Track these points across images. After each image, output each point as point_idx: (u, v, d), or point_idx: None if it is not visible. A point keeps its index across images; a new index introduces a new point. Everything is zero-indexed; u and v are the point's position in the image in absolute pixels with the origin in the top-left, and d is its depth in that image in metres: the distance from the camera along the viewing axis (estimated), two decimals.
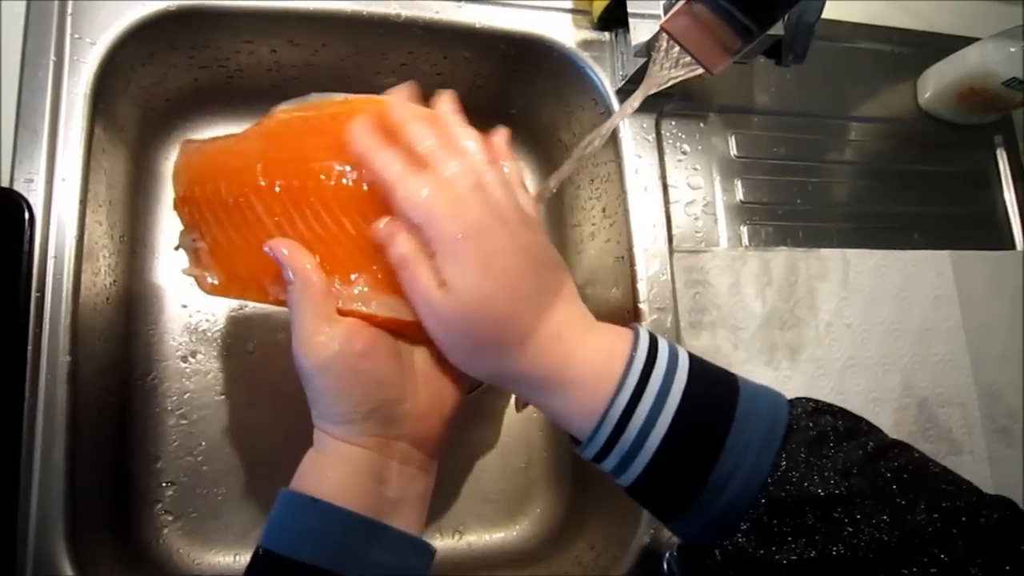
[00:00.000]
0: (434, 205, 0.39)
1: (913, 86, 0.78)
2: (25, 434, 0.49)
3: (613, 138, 0.66)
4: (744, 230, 0.68)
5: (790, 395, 0.63)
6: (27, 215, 0.51)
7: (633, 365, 0.39)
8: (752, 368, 0.64)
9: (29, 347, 0.50)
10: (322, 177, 0.43)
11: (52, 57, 0.55)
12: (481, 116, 0.77)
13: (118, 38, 0.57)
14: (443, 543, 0.68)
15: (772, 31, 0.56)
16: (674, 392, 0.38)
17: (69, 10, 0.56)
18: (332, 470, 0.41)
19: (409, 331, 0.43)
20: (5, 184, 0.52)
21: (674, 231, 0.65)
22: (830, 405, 0.43)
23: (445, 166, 0.40)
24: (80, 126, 0.54)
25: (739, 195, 0.68)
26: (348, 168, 0.43)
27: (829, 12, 0.59)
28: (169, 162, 0.68)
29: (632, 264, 0.63)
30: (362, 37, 0.65)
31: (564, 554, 0.66)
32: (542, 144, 0.78)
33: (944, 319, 0.71)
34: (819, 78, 0.74)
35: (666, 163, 0.67)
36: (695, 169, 0.68)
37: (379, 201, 0.42)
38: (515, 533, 0.70)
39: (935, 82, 0.76)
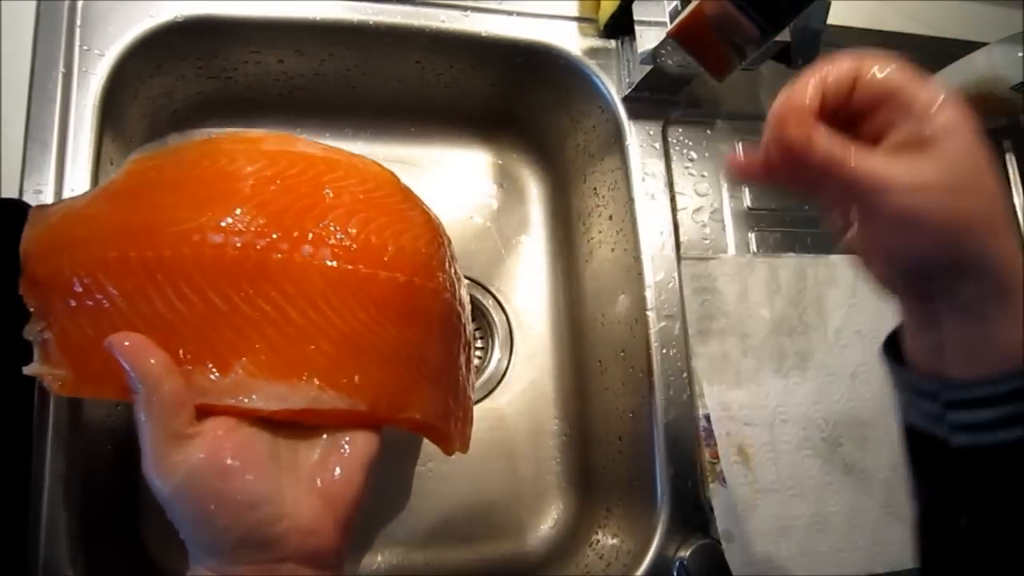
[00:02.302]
0: None
1: None
2: (34, 445, 0.49)
3: (619, 146, 0.66)
4: (752, 237, 0.67)
5: (801, 402, 0.64)
6: None
7: None
8: (762, 376, 0.64)
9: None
10: (181, 244, 0.38)
11: (61, 69, 0.55)
12: (487, 125, 0.78)
13: (126, 49, 0.57)
14: (452, 552, 0.68)
15: (779, 37, 0.56)
16: None
17: (78, 21, 0.56)
18: None
19: (303, 419, 0.39)
20: (15, 195, 0.52)
21: (682, 238, 0.65)
22: None
23: None
24: (89, 137, 0.55)
25: (747, 202, 0.68)
26: (212, 230, 0.38)
27: (835, 18, 0.59)
28: None
29: (640, 272, 0.63)
30: (369, 46, 0.65)
31: (574, 563, 0.65)
32: (548, 152, 0.78)
33: None
34: None
35: (673, 170, 0.67)
36: (702, 176, 0.67)
37: (252, 266, 0.37)
38: (524, 542, 0.70)
39: (944, 87, 0.76)
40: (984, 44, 0.73)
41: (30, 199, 0.52)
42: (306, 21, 0.61)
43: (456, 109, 0.75)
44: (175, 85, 0.65)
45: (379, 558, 0.65)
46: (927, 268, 0.34)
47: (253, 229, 0.38)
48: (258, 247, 0.38)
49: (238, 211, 0.39)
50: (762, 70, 0.71)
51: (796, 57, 0.60)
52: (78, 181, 0.54)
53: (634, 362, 0.63)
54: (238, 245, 0.38)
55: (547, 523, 0.70)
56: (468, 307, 0.50)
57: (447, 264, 0.47)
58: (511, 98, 0.73)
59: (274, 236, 0.39)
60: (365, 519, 0.66)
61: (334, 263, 0.39)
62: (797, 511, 0.62)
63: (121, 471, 0.60)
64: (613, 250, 0.68)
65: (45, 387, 0.41)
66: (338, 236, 0.40)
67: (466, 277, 0.73)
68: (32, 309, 0.41)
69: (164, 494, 0.35)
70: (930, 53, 0.78)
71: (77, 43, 0.56)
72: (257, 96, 0.69)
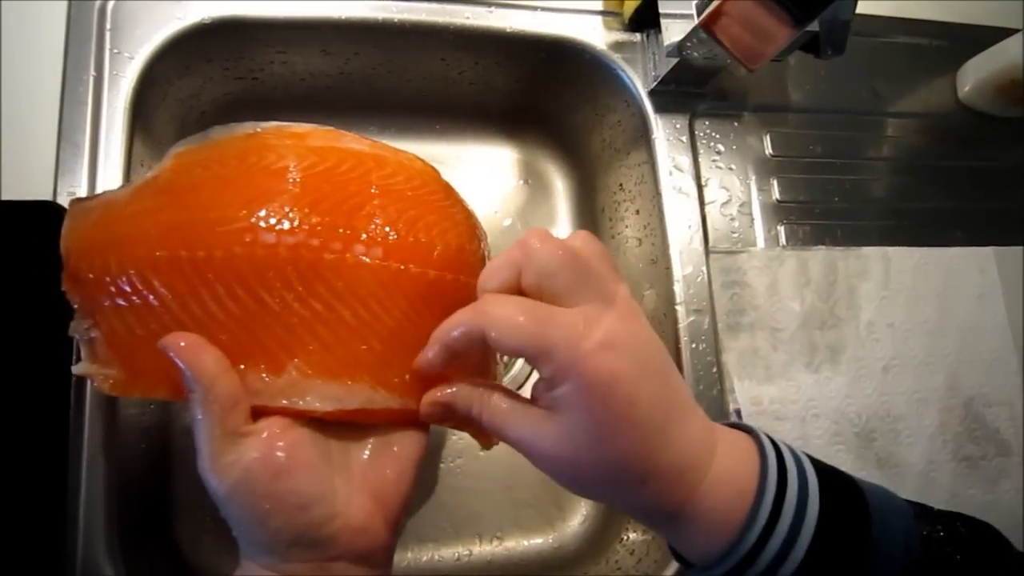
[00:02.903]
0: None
1: (951, 80, 0.76)
2: (72, 441, 0.50)
3: (646, 140, 0.66)
4: (781, 229, 0.67)
5: (833, 396, 0.63)
6: None
7: (763, 500, 0.34)
8: (792, 370, 0.63)
9: (74, 356, 0.51)
10: (233, 244, 0.37)
11: (92, 72, 0.56)
12: (512, 121, 0.77)
13: (155, 52, 0.57)
14: (481, 548, 0.68)
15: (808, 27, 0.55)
16: (807, 523, 0.34)
17: (108, 25, 0.57)
18: None
19: (355, 419, 0.39)
20: (48, 197, 0.53)
21: (710, 232, 0.64)
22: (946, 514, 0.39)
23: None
24: (120, 139, 0.55)
25: (775, 194, 0.67)
26: (263, 228, 0.37)
27: (864, 7, 0.58)
28: None
29: (668, 266, 0.62)
30: (394, 44, 0.65)
31: (604, 560, 0.65)
32: (573, 147, 0.77)
33: (989, 317, 0.69)
34: (855, 74, 0.73)
35: (700, 163, 0.66)
36: (730, 169, 0.67)
37: (304, 265, 0.37)
38: (553, 539, 0.69)
39: (974, 75, 0.75)
40: (1016, 31, 0.72)
41: (63, 201, 0.53)
42: (332, 20, 0.61)
43: (481, 105, 0.75)
44: (202, 87, 0.65)
45: (409, 555, 0.66)
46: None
47: (305, 228, 0.38)
48: (310, 246, 0.38)
49: (289, 210, 0.38)
50: (789, 60, 0.70)
51: (825, 47, 0.60)
52: (110, 183, 0.54)
53: None
54: (290, 244, 0.38)
55: (577, 519, 0.70)
56: None
57: (487, 260, 0.47)
58: (536, 94, 0.73)
59: (326, 235, 0.38)
60: None
61: (385, 262, 0.39)
62: None
63: (153, 470, 0.61)
64: (640, 245, 0.67)
65: (94, 386, 0.41)
66: (389, 235, 0.40)
67: None
68: (76, 306, 0.40)
69: (219, 493, 0.35)
70: (960, 41, 0.77)
71: (107, 46, 0.56)
72: (283, 96, 0.69)
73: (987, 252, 0.71)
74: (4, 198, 0.52)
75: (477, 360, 0.44)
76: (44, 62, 0.55)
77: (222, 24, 0.59)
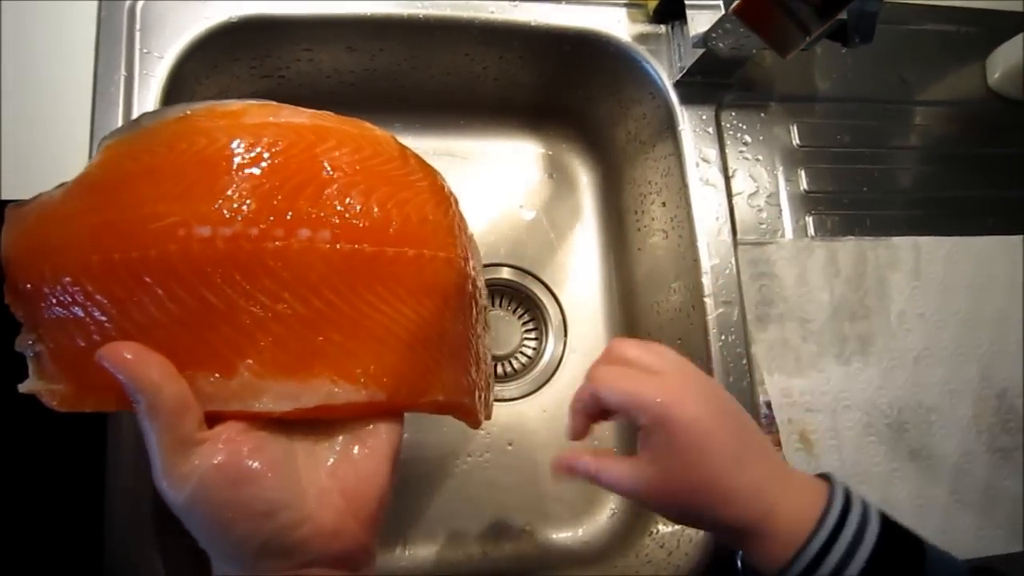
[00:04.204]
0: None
1: (981, 67, 0.75)
2: (109, 434, 0.50)
3: (672, 132, 0.65)
4: (809, 220, 0.66)
5: (864, 388, 0.63)
6: None
7: (825, 522, 0.41)
8: (823, 361, 0.63)
9: None
10: (166, 241, 0.34)
11: (123, 72, 0.56)
12: (536, 115, 0.77)
13: (184, 51, 0.58)
14: (509, 542, 0.68)
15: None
16: (861, 552, 0.40)
17: (137, 25, 0.57)
18: None
19: (319, 416, 0.36)
20: None
21: (738, 223, 0.64)
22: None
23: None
24: None
25: (803, 185, 0.67)
26: (197, 221, 0.35)
27: None
28: None
29: (696, 258, 0.62)
30: (418, 40, 0.65)
31: (633, 553, 0.65)
32: (598, 141, 0.77)
33: (1022, 306, 0.68)
34: (882, 62, 0.72)
35: (727, 155, 0.66)
36: (757, 160, 0.66)
37: (246, 257, 0.35)
38: (581, 532, 0.69)
39: (1004, 61, 0.74)
40: None
41: None
42: (357, 17, 0.61)
43: (505, 100, 0.75)
44: (230, 85, 0.66)
45: (437, 549, 0.66)
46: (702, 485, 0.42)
47: (242, 217, 0.35)
48: (251, 236, 0.35)
49: (224, 198, 0.35)
50: (816, 50, 0.70)
51: (852, 36, 0.59)
52: None
53: (692, 349, 0.62)
54: (227, 236, 0.35)
55: (605, 513, 0.70)
56: (480, 268, 0.47)
57: (457, 229, 0.43)
58: (560, 87, 0.73)
59: (266, 222, 0.35)
60: (421, 511, 0.67)
61: (335, 245, 0.36)
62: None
63: None
64: (667, 237, 0.67)
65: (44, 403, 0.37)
66: (336, 214, 0.37)
67: (518, 268, 0.74)
68: (21, 319, 0.37)
69: (177, 505, 0.33)
70: (989, 27, 0.76)
71: (137, 46, 0.57)
72: (308, 94, 0.70)
73: (1018, 240, 0.70)
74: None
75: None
76: (76, 61, 0.56)
77: (249, 23, 0.60)
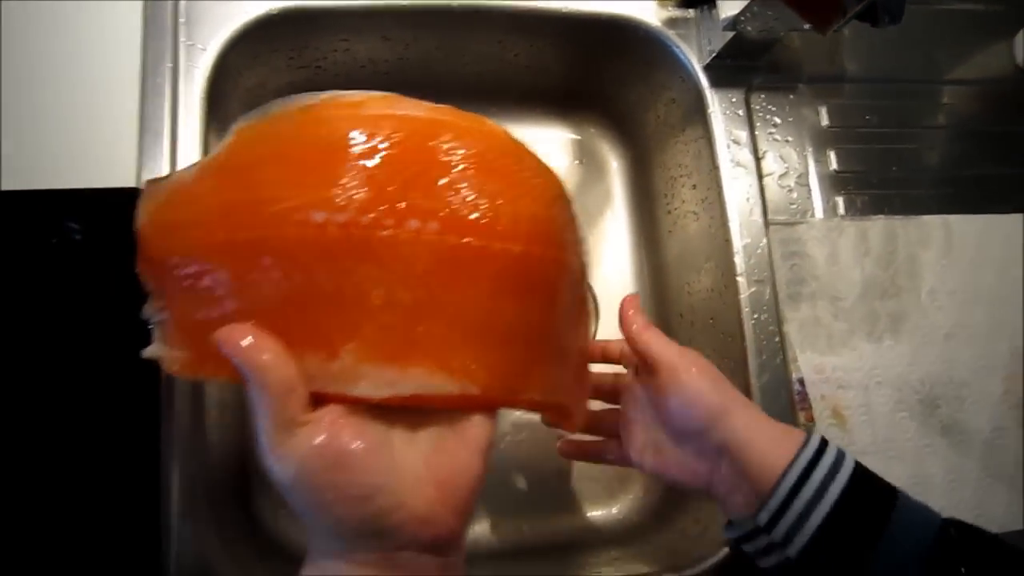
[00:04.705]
0: None
1: (1009, 45, 0.76)
2: (163, 412, 0.52)
3: (702, 115, 0.66)
4: (839, 200, 0.67)
5: (895, 364, 0.63)
6: None
7: (798, 460, 0.44)
8: (854, 339, 0.63)
9: None
10: (285, 224, 0.36)
11: (168, 63, 0.58)
12: (565, 101, 0.79)
13: (226, 43, 0.60)
14: (545, 520, 0.69)
15: None
16: (831, 492, 0.43)
17: (181, 19, 0.59)
18: None
19: (413, 404, 0.36)
20: (131, 184, 0.56)
21: (768, 204, 0.65)
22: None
23: None
24: (197, 128, 0.58)
25: (833, 165, 0.68)
26: (314, 207, 0.36)
27: None
28: None
29: (727, 238, 0.63)
30: (451, 29, 0.67)
31: (669, 530, 0.66)
32: (627, 125, 0.78)
33: None
34: (910, 42, 0.73)
35: (757, 136, 0.66)
36: (787, 141, 0.67)
37: (356, 244, 0.35)
38: (615, 510, 0.71)
39: None
40: None
41: None
42: (393, 7, 0.63)
43: (534, 87, 0.76)
44: (268, 76, 0.67)
45: (474, 527, 0.67)
46: (698, 430, 0.47)
47: (356, 204, 0.35)
48: (362, 224, 0.35)
49: (339, 185, 0.36)
50: (844, 31, 0.70)
51: (882, 15, 0.60)
52: None
53: (725, 328, 0.64)
54: (340, 223, 0.35)
55: (639, 491, 0.71)
56: (587, 271, 0.47)
57: (569, 228, 0.43)
58: (589, 73, 0.74)
59: (379, 211, 0.36)
60: None
61: (443, 237, 0.37)
62: (896, 473, 0.61)
63: (231, 446, 0.64)
64: (698, 219, 0.68)
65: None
66: (446, 207, 0.37)
67: None
68: (149, 289, 0.40)
69: (281, 483, 0.34)
70: (1017, 6, 0.76)
71: (181, 39, 0.59)
72: (344, 84, 0.70)
73: None
74: (90, 186, 0.55)
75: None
76: (123, 55, 0.58)
77: (288, 15, 0.61)
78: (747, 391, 0.60)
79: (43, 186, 0.54)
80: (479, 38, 0.68)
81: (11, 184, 0.54)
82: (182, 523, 0.51)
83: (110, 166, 0.56)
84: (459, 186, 0.38)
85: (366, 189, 0.36)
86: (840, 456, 0.45)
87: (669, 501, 0.69)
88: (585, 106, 0.78)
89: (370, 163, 0.37)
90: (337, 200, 0.36)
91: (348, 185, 0.36)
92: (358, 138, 0.37)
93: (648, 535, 0.67)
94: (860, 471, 0.45)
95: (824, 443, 0.46)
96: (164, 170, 0.56)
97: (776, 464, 0.45)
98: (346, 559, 0.35)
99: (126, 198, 0.54)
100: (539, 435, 0.70)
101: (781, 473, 0.44)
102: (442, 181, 0.37)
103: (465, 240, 0.37)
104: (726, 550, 0.57)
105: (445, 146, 0.38)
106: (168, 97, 0.57)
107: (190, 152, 0.57)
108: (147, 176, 0.55)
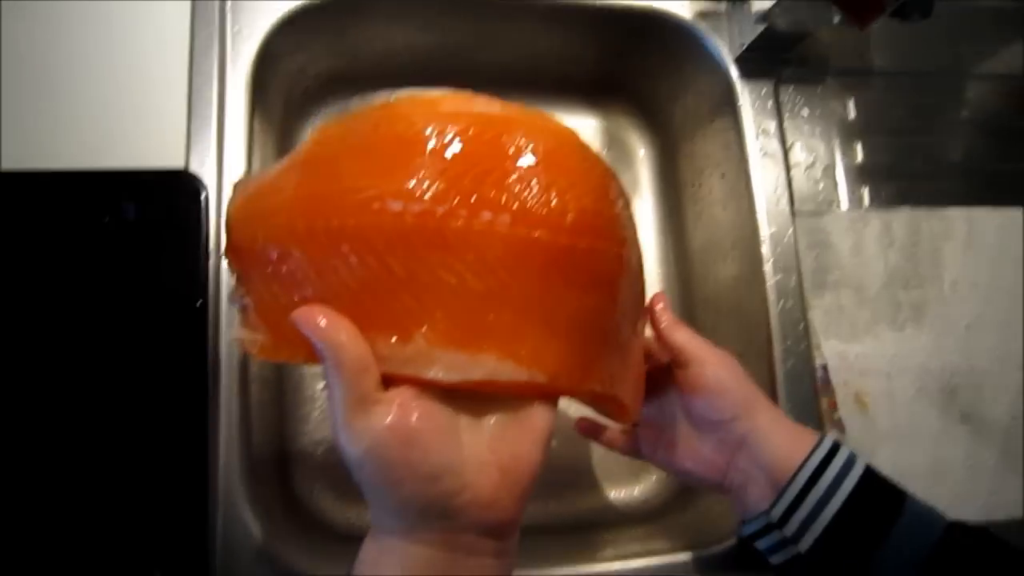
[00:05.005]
0: None
1: None
2: (210, 390, 0.55)
3: (731, 106, 0.68)
4: (865, 191, 0.68)
5: (917, 353, 0.65)
6: (203, 194, 0.56)
7: (810, 460, 0.47)
8: (877, 327, 0.65)
9: (209, 310, 0.56)
10: (363, 213, 0.37)
11: (216, 49, 0.60)
12: (595, 91, 0.80)
13: (271, 30, 0.62)
14: (570, 500, 0.71)
15: None
16: (840, 493, 0.46)
17: (228, 5, 0.61)
18: (392, 569, 0.36)
19: (481, 389, 0.38)
20: (180, 166, 0.58)
21: (795, 194, 0.66)
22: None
23: None
24: (243, 112, 0.59)
25: (859, 157, 0.69)
26: (391, 197, 0.37)
27: None
28: None
29: (755, 227, 0.65)
30: (487, 19, 0.68)
31: (692, 509, 0.68)
32: (656, 115, 0.80)
33: None
34: (937, 37, 0.74)
35: (785, 128, 0.68)
36: (814, 133, 0.69)
37: (431, 233, 0.37)
38: (639, 491, 0.73)
39: None
40: None
41: (195, 170, 0.57)
42: None
43: (566, 77, 0.77)
44: (308, 63, 0.69)
45: None
46: (723, 420, 0.50)
47: (431, 195, 0.37)
48: (437, 214, 0.37)
49: (416, 177, 0.38)
50: (872, 25, 0.71)
51: (912, 11, 0.61)
52: (234, 153, 0.59)
53: (750, 315, 0.65)
54: (416, 212, 0.37)
55: (661, 473, 0.73)
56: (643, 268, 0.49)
57: (628, 225, 0.44)
58: (620, 64, 0.76)
59: (453, 202, 0.37)
60: None
61: (514, 229, 0.38)
62: (915, 459, 0.63)
63: (271, 423, 0.66)
64: (725, 208, 0.70)
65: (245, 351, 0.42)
66: (517, 200, 0.38)
67: None
68: (235, 276, 0.42)
69: (351, 459, 0.36)
70: None
71: (229, 26, 0.61)
72: (379, 72, 0.73)
73: None
74: (141, 167, 0.57)
75: None
76: (172, 41, 0.60)
77: (331, 2, 0.63)
78: (772, 376, 0.62)
79: (97, 167, 0.56)
80: (514, 28, 0.70)
81: (66, 164, 0.56)
82: (226, 496, 0.53)
83: (162, 147, 0.58)
84: (529, 181, 0.39)
85: (441, 181, 0.38)
86: (852, 457, 0.48)
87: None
88: (614, 95, 0.80)
89: (445, 157, 0.38)
90: (414, 191, 0.37)
91: (424, 177, 0.38)
92: (434, 133, 0.39)
93: (671, 514, 0.69)
94: (870, 472, 0.47)
95: (836, 444, 0.48)
96: (212, 152, 0.58)
97: (793, 458, 0.47)
98: (408, 538, 0.36)
99: (176, 179, 0.57)
100: (563, 417, 0.72)
101: (797, 466, 0.47)
102: (513, 176, 0.39)
103: (535, 233, 0.38)
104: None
105: (516, 142, 0.40)
106: (216, 82, 0.59)
107: (235, 136, 0.59)
108: (196, 158, 0.58)
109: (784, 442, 0.49)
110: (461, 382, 0.36)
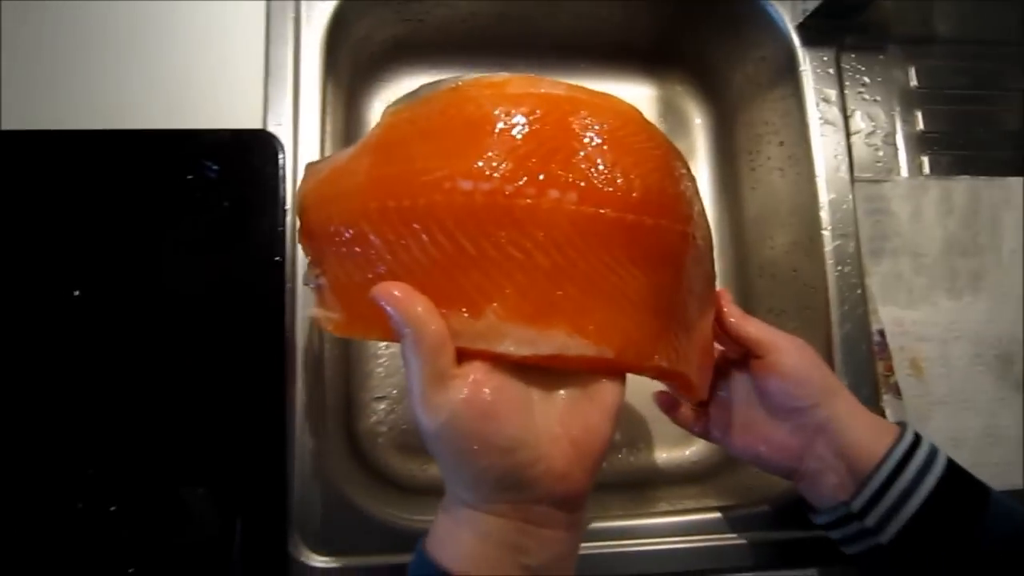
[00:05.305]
0: None
1: None
2: (287, 342, 0.57)
3: (793, 73, 0.68)
4: (925, 159, 0.69)
5: (974, 320, 0.66)
6: (281, 153, 0.59)
7: (893, 452, 0.47)
8: (935, 294, 0.66)
9: (287, 265, 0.58)
10: (434, 192, 0.39)
11: (291, 13, 0.62)
12: (654, 59, 0.81)
13: None
14: (621, 460, 0.73)
15: None
16: (923, 487, 0.46)
17: None
18: (466, 540, 0.38)
19: (551, 364, 0.38)
20: (258, 126, 0.60)
21: (855, 161, 0.67)
22: None
23: None
24: (317, 75, 0.62)
25: (920, 125, 0.69)
26: (461, 176, 0.39)
27: None
28: (373, 114, 0.76)
29: (814, 193, 0.65)
30: None
31: (743, 470, 0.69)
32: (714, 83, 0.80)
33: None
34: (999, 5, 0.73)
35: (846, 95, 0.68)
36: (875, 100, 0.69)
37: (500, 211, 0.38)
38: (689, 453, 0.74)
39: None
40: None
41: (272, 129, 0.60)
42: None
43: (625, 44, 0.78)
44: (375, 28, 0.71)
45: None
46: (803, 407, 0.50)
47: (500, 175, 0.39)
48: (506, 193, 0.38)
49: (485, 157, 0.39)
50: None
51: None
52: (309, 114, 0.61)
53: (808, 280, 0.66)
54: (486, 191, 0.38)
55: None
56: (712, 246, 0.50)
57: (693, 203, 0.45)
58: (679, 32, 0.76)
59: (521, 181, 0.39)
60: None
61: (580, 207, 0.39)
62: (969, 424, 0.64)
63: (340, 375, 0.68)
64: (784, 175, 0.70)
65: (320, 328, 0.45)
66: (584, 179, 0.40)
67: None
68: (309, 257, 0.44)
69: (429, 432, 0.37)
70: None
71: None
72: (442, 38, 0.75)
73: None
74: (220, 127, 0.59)
75: None
76: (248, 5, 0.62)
77: None
78: (828, 340, 0.63)
79: (178, 127, 0.59)
80: None
81: (151, 125, 0.59)
82: (302, 446, 0.56)
83: (237, 109, 0.60)
84: (595, 159, 0.40)
85: (509, 161, 0.39)
86: (934, 450, 0.48)
87: None
88: (672, 63, 0.81)
89: (512, 137, 0.40)
90: (483, 170, 0.39)
91: (493, 157, 0.39)
92: (501, 115, 0.40)
93: (723, 475, 0.70)
94: (954, 466, 0.48)
95: (918, 437, 0.49)
96: (287, 114, 0.60)
97: (874, 450, 0.48)
98: (483, 509, 0.37)
99: (255, 138, 0.59)
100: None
101: (880, 459, 0.47)
102: (580, 155, 0.40)
103: (602, 211, 0.39)
104: None
105: (582, 122, 0.41)
106: (291, 45, 0.61)
107: (311, 98, 0.61)
108: (273, 120, 0.60)
109: (865, 432, 0.49)
110: (532, 356, 0.38)
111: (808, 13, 0.66)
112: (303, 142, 0.60)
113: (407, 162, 0.40)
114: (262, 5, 0.62)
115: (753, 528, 0.59)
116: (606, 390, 0.40)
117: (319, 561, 0.54)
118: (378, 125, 0.43)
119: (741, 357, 0.54)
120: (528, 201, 0.38)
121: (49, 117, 0.58)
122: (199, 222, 0.57)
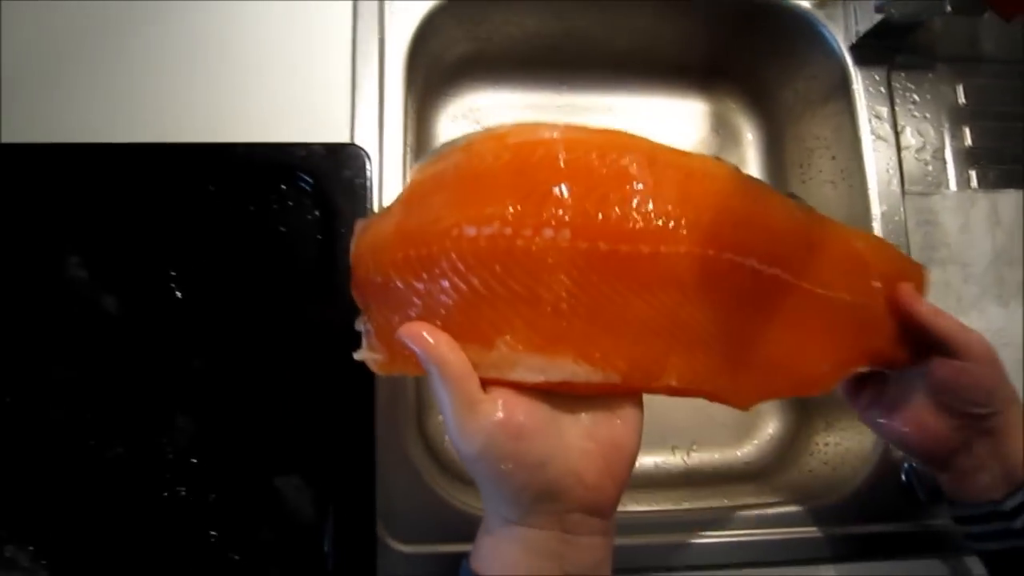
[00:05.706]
0: None
1: None
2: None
3: (845, 91, 0.72)
4: (972, 173, 0.72)
5: (1019, 330, 0.68)
6: (368, 165, 0.63)
7: None
8: (983, 302, 0.69)
9: None
10: (444, 240, 0.42)
11: (376, 33, 0.66)
12: (706, 76, 0.84)
13: (425, 16, 0.67)
14: (677, 459, 0.76)
15: None
16: None
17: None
18: (511, 553, 0.40)
19: (563, 390, 0.41)
20: (346, 140, 0.64)
21: (905, 175, 0.70)
22: None
23: None
24: (399, 91, 0.66)
25: (968, 141, 0.72)
26: (466, 223, 0.42)
27: None
28: (441, 127, 0.80)
29: (867, 205, 0.69)
30: (613, 6, 0.73)
31: (796, 470, 0.72)
32: (765, 100, 0.84)
33: None
34: None
35: (897, 112, 0.72)
36: (925, 117, 0.72)
37: (501, 252, 0.41)
38: (742, 453, 0.77)
39: None
40: None
41: (360, 142, 0.64)
42: None
43: (678, 61, 0.82)
44: (446, 47, 0.75)
45: None
46: (981, 412, 0.50)
47: (498, 219, 0.42)
48: (504, 235, 0.41)
49: (488, 204, 0.42)
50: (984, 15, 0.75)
51: None
52: (392, 127, 0.65)
53: None
54: (488, 235, 0.41)
55: (765, 437, 0.78)
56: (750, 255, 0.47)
57: (699, 223, 0.44)
58: (733, 50, 0.80)
59: (517, 223, 0.42)
60: None
61: (575, 243, 0.42)
62: None
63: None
64: (836, 188, 0.74)
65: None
66: (578, 215, 0.42)
67: None
68: (359, 306, 0.48)
69: (469, 457, 0.39)
70: None
71: (387, 9, 0.67)
72: (506, 57, 0.79)
73: None
74: (309, 140, 0.63)
75: None
76: (336, 27, 0.67)
77: None
78: None
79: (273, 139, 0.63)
80: (637, 13, 0.75)
81: (246, 138, 0.63)
82: (386, 431, 0.60)
83: (326, 123, 0.65)
84: (586, 196, 0.43)
85: (508, 205, 0.42)
86: None
87: (794, 445, 0.75)
88: (725, 80, 0.84)
89: (511, 183, 0.43)
90: (486, 216, 0.42)
91: (493, 203, 0.42)
92: (501, 164, 0.44)
93: (778, 475, 0.73)
94: None
95: None
96: (373, 128, 0.64)
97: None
98: (524, 523, 0.40)
99: (345, 151, 0.63)
100: None
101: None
102: (571, 192, 0.43)
103: (593, 245, 0.42)
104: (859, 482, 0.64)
105: (576, 161, 0.44)
106: (376, 64, 0.65)
107: (394, 112, 0.65)
108: (360, 133, 0.64)
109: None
110: (544, 383, 0.41)
111: (861, 35, 0.70)
112: (387, 154, 0.64)
113: (425, 214, 0.44)
114: (349, 24, 0.66)
115: (819, 524, 0.62)
116: (629, 408, 0.43)
117: (404, 548, 0.58)
118: (406, 184, 0.48)
119: (920, 345, 0.53)
120: (524, 241, 0.42)
121: (156, 130, 0.63)
122: (294, 229, 0.61)
